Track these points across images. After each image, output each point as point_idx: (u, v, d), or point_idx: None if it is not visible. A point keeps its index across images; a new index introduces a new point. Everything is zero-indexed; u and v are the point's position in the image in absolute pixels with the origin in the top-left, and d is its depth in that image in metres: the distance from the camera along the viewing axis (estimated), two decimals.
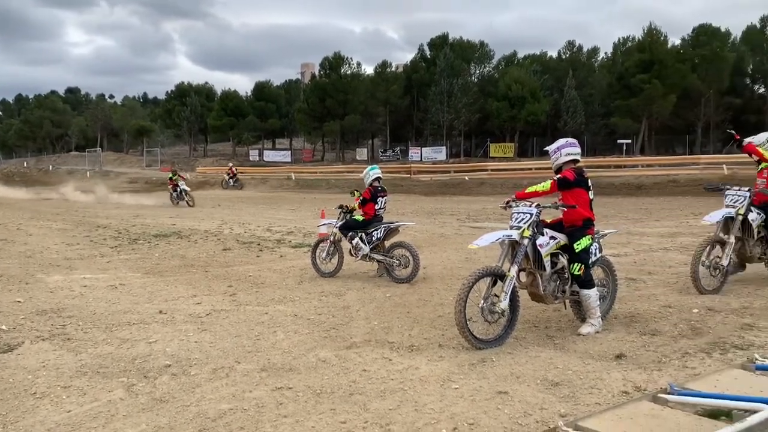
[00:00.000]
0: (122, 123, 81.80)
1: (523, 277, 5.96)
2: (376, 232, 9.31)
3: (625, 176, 35.46)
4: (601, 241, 6.39)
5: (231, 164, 46.60)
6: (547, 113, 53.64)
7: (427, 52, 62.88)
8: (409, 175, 45.84)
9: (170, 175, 28.16)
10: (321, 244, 9.76)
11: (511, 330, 5.71)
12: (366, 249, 9.23)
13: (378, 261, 9.28)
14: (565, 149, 6.19)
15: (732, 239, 7.57)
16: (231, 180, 41.61)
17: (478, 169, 45.10)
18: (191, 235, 15.14)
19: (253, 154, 65.97)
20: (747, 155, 8.23)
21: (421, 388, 4.53)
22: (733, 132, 8.43)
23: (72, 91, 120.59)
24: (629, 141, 47.86)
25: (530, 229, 5.73)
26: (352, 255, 9.42)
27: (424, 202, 29.76)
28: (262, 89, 70.69)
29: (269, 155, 65.22)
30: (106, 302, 7.77)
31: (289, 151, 67.12)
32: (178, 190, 26.87)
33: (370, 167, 9.94)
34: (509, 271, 5.65)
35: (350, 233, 9.34)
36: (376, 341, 5.84)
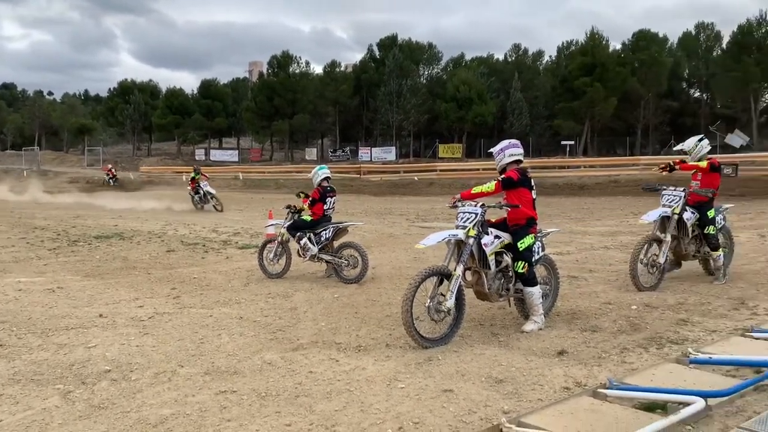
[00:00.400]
0: (62, 121, 78.81)
1: (468, 275, 6.04)
2: (324, 232, 9.26)
3: (569, 176, 36.35)
4: (543, 239, 6.53)
5: (110, 165, 45.78)
6: (494, 115, 54.54)
7: (377, 53, 63.04)
8: (358, 175, 45.84)
9: (192, 175, 24.06)
10: (268, 245, 9.65)
11: (456, 328, 5.78)
12: (314, 249, 9.18)
13: (326, 261, 9.24)
14: (509, 150, 6.31)
15: (668, 237, 7.85)
16: (110, 180, 41.05)
17: (427, 170, 45.46)
18: (134, 236, 14.74)
19: (200, 154, 64.75)
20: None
21: (368, 388, 4.53)
22: (653, 185, 8.69)
23: (7, 87, 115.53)
24: (572, 142, 49.10)
25: (475, 228, 5.82)
26: (300, 256, 9.35)
27: (373, 202, 29.81)
28: (208, 87, 69.43)
29: (216, 155, 64.16)
30: (42, 306, 7.48)
31: (237, 151, 66.18)
32: (201, 192, 22.89)
33: (318, 167, 9.89)
34: (455, 270, 5.72)
35: (298, 234, 9.27)
36: (324, 342, 5.82)
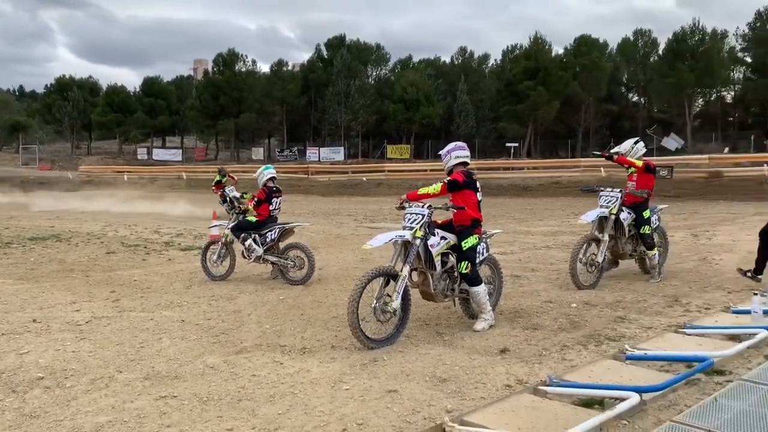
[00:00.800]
0: None
1: (414, 276, 6.07)
2: (270, 233, 9.16)
3: (513, 178, 37.09)
4: (488, 240, 6.63)
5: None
6: (441, 116, 55.15)
7: (325, 53, 62.83)
8: (306, 176, 45.59)
9: (216, 178, 19.09)
10: (212, 246, 9.48)
11: (402, 329, 5.80)
12: (259, 251, 9.06)
13: (272, 263, 9.14)
14: (455, 152, 6.39)
15: (606, 237, 8.10)
16: None
17: (375, 170, 45.58)
18: (72, 237, 14.24)
19: (142, 153, 63.21)
20: (620, 165, 8.86)
21: (312, 390, 4.50)
22: (599, 153, 9.14)
23: None
24: (517, 144, 50.08)
25: (422, 229, 5.86)
26: (244, 257, 9.22)
27: (321, 202, 29.70)
28: (151, 85, 67.77)
29: (159, 154, 62.72)
30: None
31: (181, 150, 64.80)
32: (228, 199, 17.59)
33: (264, 167, 9.78)
34: (401, 270, 5.74)
35: (243, 234, 9.14)
36: (268, 345, 5.74)
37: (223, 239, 9.39)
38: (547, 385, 4.35)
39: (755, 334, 5.35)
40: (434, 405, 4.17)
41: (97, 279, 9.29)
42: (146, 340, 5.98)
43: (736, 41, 52.49)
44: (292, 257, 8.97)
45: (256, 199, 9.28)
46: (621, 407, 3.83)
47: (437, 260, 6.01)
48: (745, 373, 4.53)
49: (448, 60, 65.80)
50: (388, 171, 44.54)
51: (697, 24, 50.81)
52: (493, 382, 4.61)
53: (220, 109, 58.81)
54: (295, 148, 59.69)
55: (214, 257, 9.30)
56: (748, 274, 7.92)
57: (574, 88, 51.61)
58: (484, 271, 6.56)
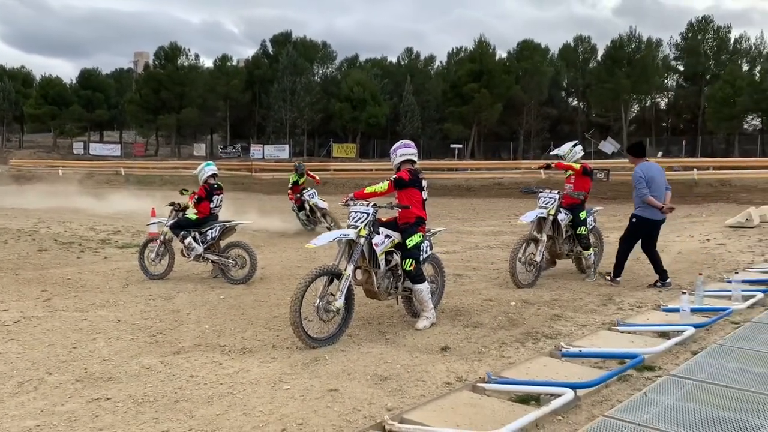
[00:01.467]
0: None
1: (358, 274, 6.08)
2: (210, 231, 8.99)
3: (457, 179, 37.57)
4: (431, 239, 6.71)
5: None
6: (387, 116, 55.31)
7: (270, 49, 62.09)
8: (250, 173, 44.93)
9: (292, 178, 15.52)
10: (150, 245, 9.24)
11: (345, 327, 5.79)
12: (199, 249, 8.89)
13: (212, 261, 8.97)
14: (400, 150, 6.44)
15: (544, 237, 8.31)
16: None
17: (320, 169, 45.15)
18: (1, 234, 13.61)
19: (78, 147, 60.94)
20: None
21: (251, 390, 4.44)
22: (545, 162, 9.41)
23: None
24: (461, 146, 50.72)
25: (367, 228, 5.87)
26: (184, 255, 9.02)
27: (265, 200, 29.32)
28: (88, 77, 65.41)
29: (96, 148, 60.62)
30: None
31: (119, 145, 62.82)
32: (307, 207, 14.93)
33: (205, 164, 9.60)
34: (345, 269, 5.74)
35: (182, 232, 8.94)
36: (207, 345, 5.64)
37: (162, 237, 9.17)
38: (486, 382, 4.44)
39: (683, 332, 5.59)
40: (375, 403, 4.18)
41: (28, 277, 8.92)
42: (79, 340, 5.78)
43: (670, 50, 54.75)
44: (234, 256, 8.84)
45: (196, 196, 9.09)
46: (556, 403, 3.94)
47: (381, 259, 6.03)
48: (673, 369, 4.72)
49: (394, 60, 66.12)
50: (334, 170, 44.38)
51: (633, 32, 52.72)
52: (434, 380, 4.66)
53: (161, 104, 57.33)
54: (239, 145, 58.72)
55: (153, 255, 9.06)
56: (607, 277, 8.46)
57: (516, 92, 52.67)
58: (427, 269, 6.62)
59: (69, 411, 4.09)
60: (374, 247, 5.96)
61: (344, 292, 5.66)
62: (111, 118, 66.34)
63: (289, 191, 15.47)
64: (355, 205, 6.05)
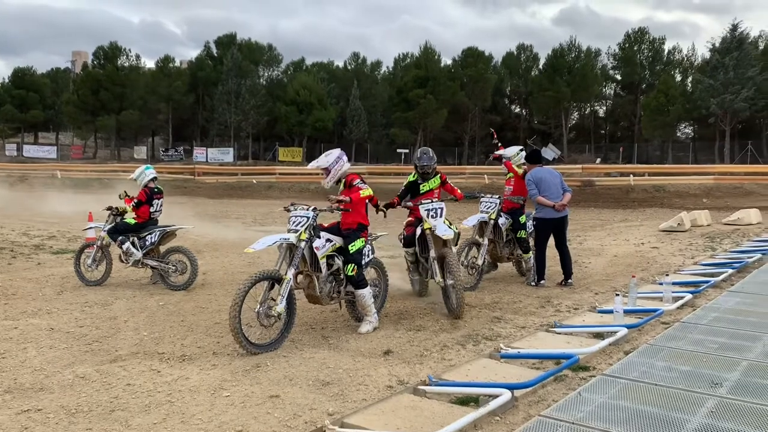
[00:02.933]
0: None
1: (300, 279, 6.06)
2: (150, 236, 8.78)
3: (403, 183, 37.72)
4: (373, 243, 6.74)
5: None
6: (334, 121, 55.16)
7: (214, 50, 61.05)
8: (193, 177, 44.12)
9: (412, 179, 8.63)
10: (86, 250, 8.96)
11: (287, 333, 5.76)
12: (138, 254, 8.66)
13: (152, 267, 8.77)
14: (344, 158, 6.59)
15: (485, 241, 8.48)
16: None
17: (266, 173, 44.90)
18: None
19: (10, 149, 58.30)
20: (501, 167, 9.41)
21: (190, 398, 4.36)
22: (499, 154, 9.58)
23: None
24: (407, 150, 51.05)
25: (307, 231, 5.85)
26: (122, 261, 8.78)
27: (208, 204, 28.84)
28: (22, 76, 62.65)
29: (30, 150, 58.14)
30: None
31: (56, 147, 60.49)
32: None
33: (145, 167, 9.37)
34: (286, 274, 5.70)
35: (120, 237, 8.70)
36: (145, 353, 5.51)
37: (99, 242, 8.91)
38: (427, 385, 4.50)
39: (616, 332, 5.80)
40: (316, 409, 4.18)
41: None
42: (9, 350, 5.56)
43: (608, 60, 56.56)
44: (174, 261, 8.66)
45: (135, 200, 8.87)
46: (494, 404, 4.03)
47: (323, 263, 6.03)
48: (606, 368, 4.90)
49: (341, 65, 66.05)
50: (279, 174, 44.05)
51: (573, 42, 54.25)
52: (376, 384, 4.69)
53: (100, 105, 55.52)
54: (181, 147, 57.41)
55: (89, 261, 8.79)
56: (563, 283, 8.78)
57: (461, 98, 53.37)
58: (369, 273, 6.66)
59: None
60: (315, 251, 5.95)
61: (285, 297, 5.62)
62: (46, 119, 63.79)
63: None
64: (296, 209, 6.03)
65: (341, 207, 6.20)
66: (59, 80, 69.24)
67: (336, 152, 6.56)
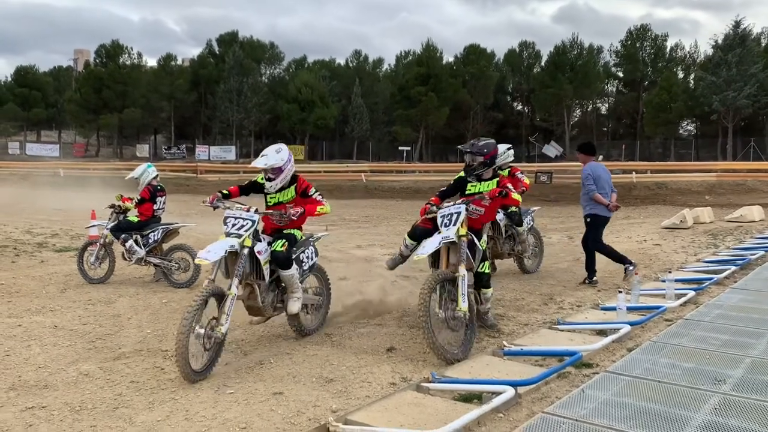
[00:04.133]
0: None
1: (240, 289, 5.27)
2: (152, 234, 8.79)
3: (405, 181, 37.80)
4: (315, 244, 6.14)
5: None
6: (335, 118, 55.19)
7: (216, 48, 61.09)
8: (195, 175, 44.16)
9: None
10: (90, 248, 8.97)
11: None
12: (141, 252, 8.67)
13: (155, 265, 8.78)
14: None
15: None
16: None
17: None
18: None
19: (14, 147, 58.46)
20: None
21: (194, 395, 4.37)
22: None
23: None
24: (409, 148, 51.11)
25: (251, 237, 5.23)
26: (125, 259, 8.79)
27: None
28: (25, 75, 62.85)
29: (33, 149, 58.30)
30: None
31: (58, 145, 60.63)
32: None
33: (147, 165, 9.37)
34: (230, 287, 5.00)
35: (123, 235, 8.70)
36: (149, 350, 5.52)
37: (102, 240, 8.91)
38: (430, 382, 4.50)
39: (619, 329, 5.80)
40: (320, 405, 4.19)
41: None
42: (13, 347, 5.57)
43: (610, 57, 56.51)
44: (177, 259, 8.67)
45: (138, 197, 8.88)
46: (497, 401, 4.03)
47: (266, 268, 5.38)
48: (609, 365, 4.90)
49: (342, 62, 66.02)
50: None
51: (576, 39, 54.20)
52: (379, 381, 4.69)
53: (102, 103, 55.67)
54: (184, 145, 57.55)
55: (92, 259, 8.80)
56: (587, 281, 8.60)
57: (463, 95, 53.38)
58: (310, 282, 6.12)
59: (1, 421, 3.94)
60: (257, 255, 5.28)
61: (230, 315, 4.93)
62: (49, 117, 63.97)
63: None
64: (231, 209, 5.39)
65: (293, 218, 5.58)
66: (61, 78, 69.39)
67: (285, 148, 5.89)
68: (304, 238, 5.95)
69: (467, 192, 6.07)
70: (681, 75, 53.67)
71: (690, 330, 5.90)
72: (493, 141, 6.27)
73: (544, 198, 27.94)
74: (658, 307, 6.76)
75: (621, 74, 57.01)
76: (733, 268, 9.21)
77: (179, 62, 62.40)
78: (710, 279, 8.39)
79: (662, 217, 18.48)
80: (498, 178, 6.13)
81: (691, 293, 7.47)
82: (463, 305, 5.19)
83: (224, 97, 55.00)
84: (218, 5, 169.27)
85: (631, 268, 8.46)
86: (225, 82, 55.13)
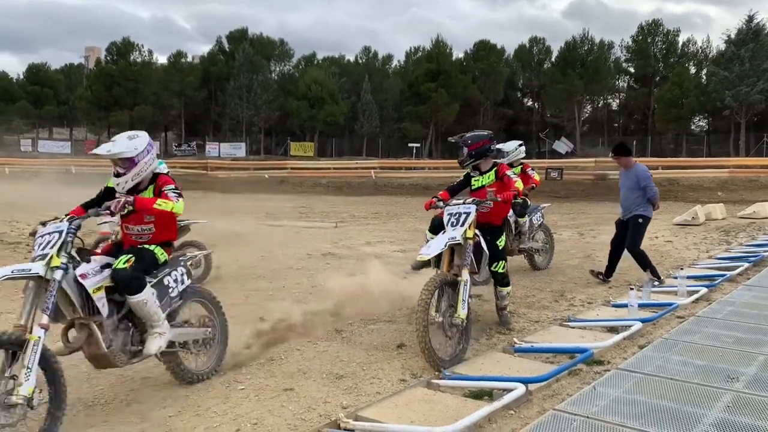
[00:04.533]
0: None
1: (73, 334, 4.02)
2: None
3: (415, 177, 37.80)
4: (188, 264, 4.78)
5: None
6: (345, 115, 55.20)
7: (226, 46, 61.26)
8: (205, 171, 44.33)
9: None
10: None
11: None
12: None
13: None
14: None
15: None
16: None
17: (278, 167, 45.00)
18: None
19: (26, 144, 58.86)
20: None
21: (206, 391, 4.40)
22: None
23: None
24: (419, 145, 51.04)
25: (62, 254, 3.82)
26: None
27: (221, 199, 28.94)
28: (36, 72, 63.28)
29: (45, 146, 58.64)
30: None
31: (70, 142, 61.01)
32: None
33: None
34: (31, 331, 3.56)
35: None
36: None
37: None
38: (440, 379, 4.50)
39: (631, 326, 5.77)
40: (330, 402, 4.20)
41: None
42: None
43: (621, 52, 56.12)
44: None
45: None
46: (508, 398, 4.02)
47: (100, 297, 3.93)
48: (621, 362, 4.87)
49: (352, 59, 66.00)
50: (291, 168, 44.11)
51: (586, 35, 53.89)
52: (389, 377, 4.70)
53: (113, 100, 56.02)
54: (194, 142, 57.75)
55: None
56: (600, 276, 8.48)
57: (473, 91, 53.24)
58: (196, 310, 4.85)
59: None
60: (82, 281, 3.85)
61: (35, 369, 3.50)
62: (61, 114, 64.42)
63: None
64: (47, 226, 4.06)
65: (124, 208, 4.18)
66: (73, 76, 69.80)
67: (145, 136, 4.56)
68: (169, 257, 4.55)
69: (472, 187, 6.02)
70: (693, 70, 53.22)
71: (702, 327, 5.86)
72: (484, 133, 6.26)
73: (555, 194, 27.80)
74: (670, 304, 6.72)
75: (632, 70, 56.60)
76: (746, 264, 9.14)
77: (189, 59, 62.62)
78: (723, 276, 8.33)
79: (674, 214, 18.34)
80: (496, 168, 6.05)
81: (704, 290, 7.42)
82: (462, 312, 5.00)
83: (234, 94, 55.16)
84: (228, 2, 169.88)
85: (656, 282, 7.99)
86: (235, 79, 55.28)
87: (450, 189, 6.14)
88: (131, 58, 57.97)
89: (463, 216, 5.38)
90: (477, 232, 5.56)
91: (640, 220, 8.16)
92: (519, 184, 5.86)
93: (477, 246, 5.52)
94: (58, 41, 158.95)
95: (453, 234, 5.30)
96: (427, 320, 4.82)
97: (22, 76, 64.51)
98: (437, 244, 5.25)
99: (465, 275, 5.19)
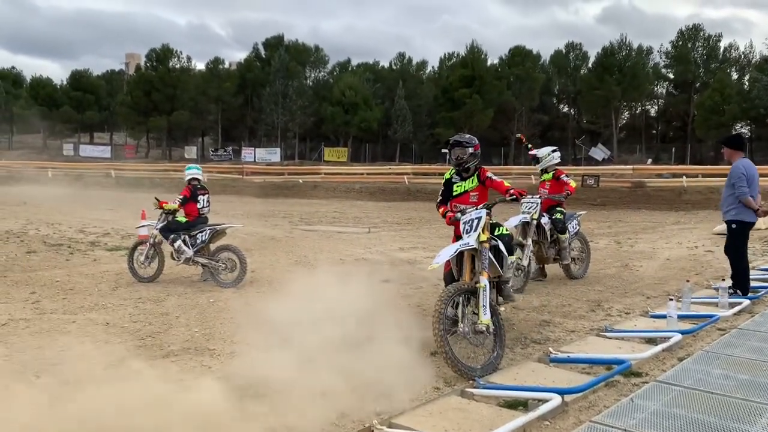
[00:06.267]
0: None
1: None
2: (200, 234, 8.98)
3: None
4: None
5: None
6: (379, 121, 55.35)
7: (262, 52, 62.06)
8: (241, 176, 44.93)
9: None
10: (140, 247, 9.22)
11: None
12: (189, 252, 8.87)
13: (202, 265, 8.95)
14: None
15: (530, 242, 8.38)
16: None
17: (312, 172, 45.37)
18: None
19: (68, 149, 60.43)
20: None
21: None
22: (529, 146, 9.58)
23: None
24: None
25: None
26: (173, 259, 9.00)
27: (256, 203, 29.27)
28: (79, 78, 64.96)
29: (86, 150, 60.11)
30: None
31: (110, 147, 62.45)
32: None
33: (188, 166, 9.63)
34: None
35: (172, 236, 8.92)
36: (196, 349, 5.63)
37: (152, 240, 9.15)
38: (475, 387, 4.46)
39: (670, 338, 5.64)
40: (364, 408, 4.19)
41: (16, 279, 8.87)
42: (67, 343, 5.75)
43: (660, 58, 55.11)
44: (224, 259, 8.83)
45: (181, 197, 9.08)
46: (543, 408, 3.96)
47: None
48: (660, 375, 4.76)
49: (386, 65, 66.14)
50: (325, 173, 44.41)
51: (624, 40, 53.06)
52: (422, 385, 4.67)
53: (152, 106, 57.18)
54: (230, 147, 58.60)
55: (142, 258, 9.04)
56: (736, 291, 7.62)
57: (507, 97, 52.87)
58: None
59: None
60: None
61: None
62: (102, 119, 66.02)
63: None
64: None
65: None
66: (113, 82, 71.53)
67: None
68: None
69: (454, 193, 5.97)
70: (735, 76, 51.95)
71: (745, 340, 5.70)
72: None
73: (591, 202, 27.42)
74: (710, 316, 6.55)
75: (671, 75, 55.51)
76: None
77: (227, 66, 63.60)
78: (766, 287, 8.09)
79: (714, 223, 17.89)
80: (478, 172, 5.99)
81: (746, 302, 7.22)
82: (485, 318, 4.95)
83: (270, 99, 55.79)
84: (262, 8, 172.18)
85: (731, 291, 7.38)
86: (271, 86, 55.93)
87: (443, 199, 6.09)
88: (170, 64, 59.08)
89: (475, 221, 5.35)
90: (492, 236, 5.47)
91: (734, 226, 7.45)
92: (508, 184, 5.79)
93: (496, 249, 5.45)
94: (100, 48, 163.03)
95: (467, 240, 5.28)
96: (444, 330, 4.85)
97: (65, 83, 66.33)
98: (447, 251, 5.28)
99: (483, 281, 5.11)
